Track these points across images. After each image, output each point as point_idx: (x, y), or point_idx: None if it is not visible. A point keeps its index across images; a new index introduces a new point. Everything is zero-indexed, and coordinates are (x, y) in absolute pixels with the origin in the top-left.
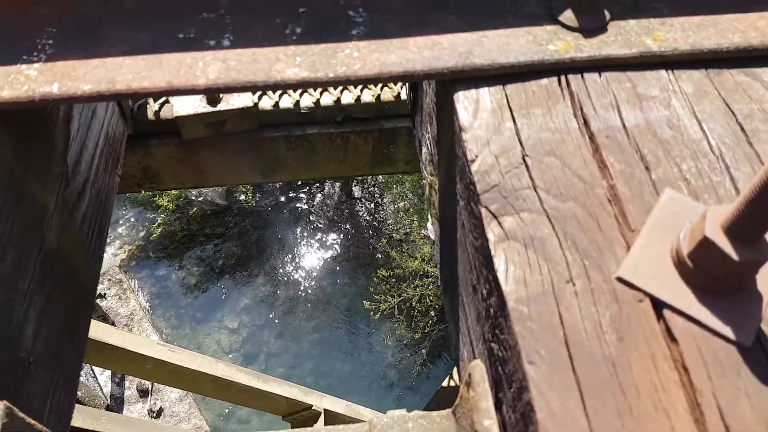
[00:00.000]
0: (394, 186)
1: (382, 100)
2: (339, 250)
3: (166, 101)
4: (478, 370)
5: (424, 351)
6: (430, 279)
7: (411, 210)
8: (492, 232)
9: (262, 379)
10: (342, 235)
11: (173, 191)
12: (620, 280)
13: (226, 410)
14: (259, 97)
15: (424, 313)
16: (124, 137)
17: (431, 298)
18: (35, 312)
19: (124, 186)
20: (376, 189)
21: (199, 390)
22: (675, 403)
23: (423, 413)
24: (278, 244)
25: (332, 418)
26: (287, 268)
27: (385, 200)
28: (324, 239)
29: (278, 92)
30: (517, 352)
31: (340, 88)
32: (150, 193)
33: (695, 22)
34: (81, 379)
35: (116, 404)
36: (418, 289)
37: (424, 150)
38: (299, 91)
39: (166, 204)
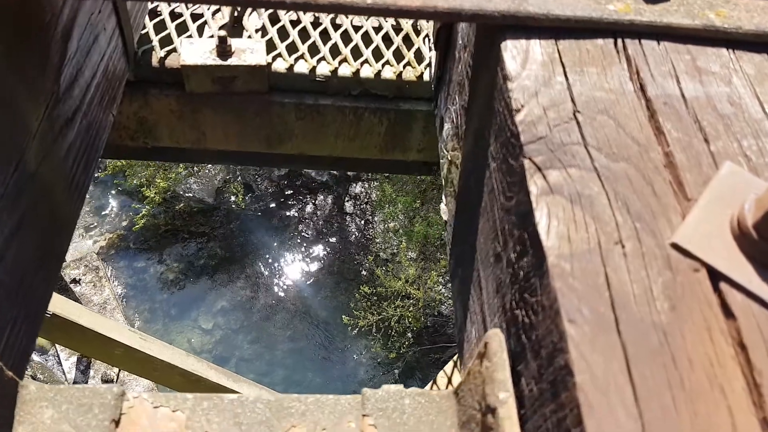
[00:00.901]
0: (387, 206)
1: (404, 79)
2: (324, 263)
3: (174, 49)
4: (497, 338)
5: (396, 371)
6: (411, 301)
7: (401, 231)
8: (535, 184)
9: (232, 378)
10: (329, 248)
11: (161, 183)
12: (675, 246)
13: None
14: (274, 58)
15: (402, 334)
16: (124, 77)
17: (410, 320)
18: (3, 232)
19: (117, 137)
20: (368, 207)
21: (167, 383)
22: (731, 380)
23: (421, 390)
24: (263, 250)
25: None
26: (269, 275)
27: (376, 218)
28: (310, 250)
29: (294, 55)
30: (553, 312)
31: (361, 59)
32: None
33: (760, 5)
34: (44, 362)
35: None
36: (398, 310)
37: (446, 126)
38: (316, 57)
39: (152, 196)
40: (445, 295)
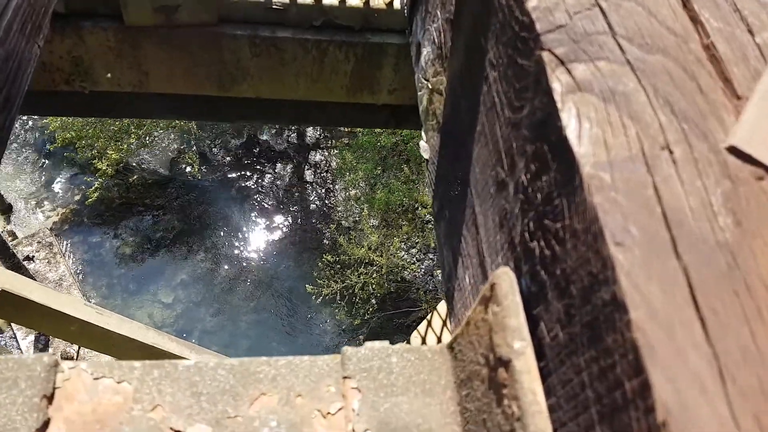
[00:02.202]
0: (347, 173)
1: (372, 7)
2: (285, 233)
3: None
4: (506, 278)
5: (362, 337)
6: (374, 268)
7: (362, 199)
8: (558, 80)
9: (194, 350)
10: (290, 217)
11: (113, 155)
12: (732, 150)
13: None
14: None
15: (366, 301)
16: (51, 5)
17: (374, 286)
18: None
19: (50, 82)
20: (328, 175)
21: (128, 357)
22: None
23: (409, 346)
24: (222, 221)
25: None
26: (230, 246)
27: (337, 187)
28: (271, 220)
29: None
30: (591, 235)
31: None
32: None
33: None
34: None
35: None
36: (361, 277)
37: (425, 51)
38: None
39: (104, 168)
40: (408, 261)
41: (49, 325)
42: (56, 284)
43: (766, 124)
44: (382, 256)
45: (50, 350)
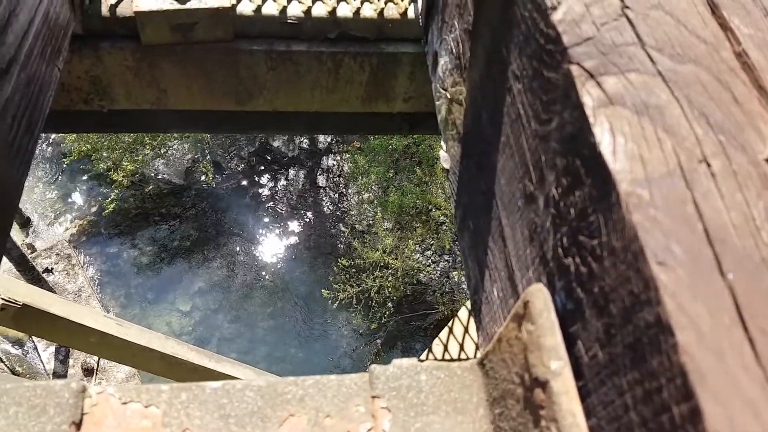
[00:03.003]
0: (360, 177)
1: (386, 17)
2: (300, 238)
3: None
4: (540, 295)
5: (379, 341)
6: (389, 271)
7: (375, 202)
8: (589, 95)
9: (214, 359)
10: (304, 223)
11: (128, 167)
12: None
13: None
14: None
15: (382, 304)
16: (69, 28)
17: (390, 289)
18: None
19: (69, 102)
20: (341, 179)
21: (147, 368)
22: None
23: (439, 363)
24: (237, 228)
25: None
26: (245, 253)
27: (349, 191)
28: (285, 226)
29: None
30: (632, 254)
31: None
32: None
33: None
34: (21, 354)
35: None
36: (377, 280)
37: (442, 61)
38: None
39: (120, 179)
40: (423, 263)
41: (69, 337)
42: (75, 295)
43: None
44: (397, 259)
45: (70, 361)
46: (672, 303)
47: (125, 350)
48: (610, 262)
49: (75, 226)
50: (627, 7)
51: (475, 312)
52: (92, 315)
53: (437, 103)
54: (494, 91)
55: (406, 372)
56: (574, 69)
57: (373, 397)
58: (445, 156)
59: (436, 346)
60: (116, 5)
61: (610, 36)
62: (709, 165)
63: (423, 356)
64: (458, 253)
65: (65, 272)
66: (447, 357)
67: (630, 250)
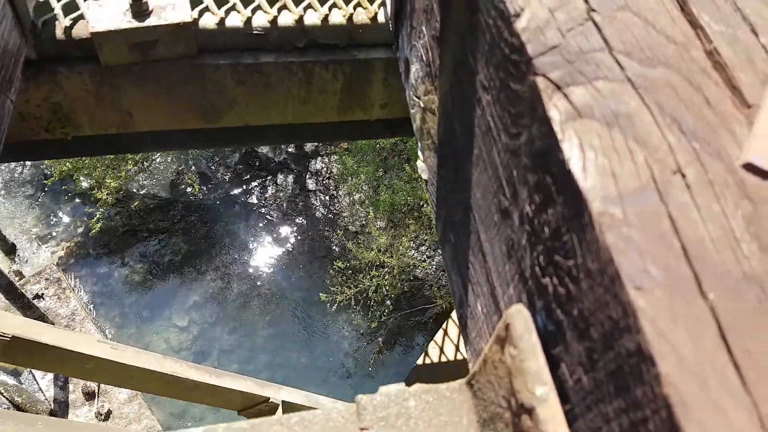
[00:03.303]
0: (350, 178)
1: (356, 23)
2: (293, 244)
3: (81, 15)
4: (520, 317)
5: (380, 339)
6: (385, 269)
7: (367, 202)
8: (556, 108)
9: (214, 374)
10: (296, 228)
11: (112, 184)
12: (749, 167)
13: (179, 408)
14: (201, 13)
15: (381, 303)
16: (21, 55)
17: (387, 288)
18: None
19: (29, 132)
20: (330, 181)
21: (147, 389)
22: None
23: (427, 387)
24: (228, 239)
25: (291, 410)
26: (239, 263)
27: (340, 192)
28: (277, 232)
29: (223, 6)
30: (608, 278)
31: (303, 3)
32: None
33: None
34: (19, 384)
35: (60, 409)
36: (374, 280)
37: (414, 68)
38: (251, 6)
39: (105, 197)
40: (418, 259)
41: (63, 366)
42: (69, 319)
43: None
44: (392, 257)
45: (70, 386)
46: (652, 331)
47: (122, 374)
48: (587, 285)
49: (62, 249)
50: (593, 10)
51: (462, 326)
52: (85, 341)
53: (412, 111)
54: (464, 102)
55: (394, 399)
56: (540, 81)
57: (362, 429)
58: (423, 166)
59: (432, 349)
60: (71, 27)
61: (577, 42)
62: (683, 175)
63: (419, 360)
64: None
65: (56, 297)
66: (443, 359)
67: (606, 273)
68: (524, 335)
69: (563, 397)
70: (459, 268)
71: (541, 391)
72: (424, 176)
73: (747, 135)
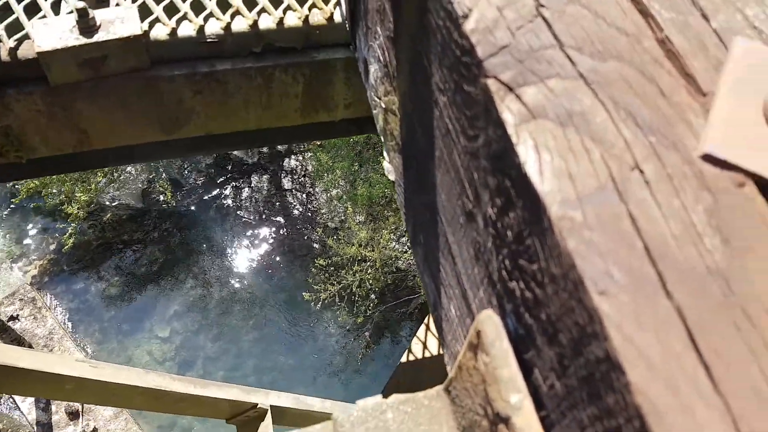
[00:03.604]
0: (325, 174)
1: (312, 24)
2: (273, 245)
3: (26, 35)
4: (490, 323)
5: (367, 334)
6: (368, 263)
7: (344, 197)
8: (509, 110)
9: (199, 384)
10: (274, 228)
11: (82, 197)
12: (707, 158)
13: (167, 420)
14: (151, 24)
15: (365, 297)
16: None
17: (371, 281)
18: None
19: None
20: (306, 179)
21: (132, 405)
22: None
23: (405, 397)
24: (206, 244)
25: (280, 414)
26: (218, 269)
27: (316, 189)
28: (256, 234)
29: (175, 16)
30: (571, 283)
31: (257, 8)
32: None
33: None
34: (1, 409)
35: (44, 431)
36: (357, 275)
37: (372, 69)
38: (203, 14)
39: (76, 212)
40: (399, 250)
41: (43, 389)
42: (47, 339)
43: (736, 123)
44: (373, 250)
45: (53, 407)
46: (618, 337)
47: (104, 392)
48: (552, 290)
49: (35, 267)
50: (542, 6)
51: (438, 329)
52: (63, 362)
53: (374, 111)
54: (422, 103)
55: (371, 414)
56: (491, 83)
57: None
58: (389, 167)
59: (415, 345)
60: (16, 48)
61: (527, 40)
62: (642, 171)
63: (403, 358)
64: None
65: (32, 317)
66: (427, 354)
67: (569, 278)
68: (495, 342)
69: (539, 402)
70: (431, 270)
71: (515, 399)
72: (391, 177)
73: (703, 125)
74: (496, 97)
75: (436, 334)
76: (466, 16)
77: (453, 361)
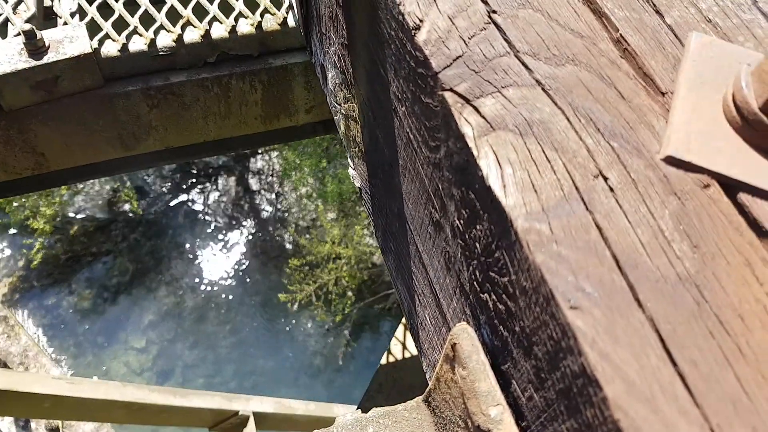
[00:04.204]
0: (293, 173)
1: (265, 30)
2: (245, 248)
3: None
4: (466, 336)
5: (346, 332)
6: (343, 261)
7: (314, 195)
8: (467, 123)
9: (179, 394)
10: (245, 231)
11: (47, 211)
12: (670, 160)
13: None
14: (101, 41)
15: (342, 295)
16: None
17: (347, 279)
18: None
19: None
20: (274, 179)
21: (112, 419)
22: None
23: (384, 410)
24: (176, 252)
25: (263, 419)
26: (190, 276)
27: (285, 189)
28: (226, 239)
29: (125, 31)
30: (543, 297)
31: (208, 17)
32: (20, 216)
33: None
34: None
35: None
36: (332, 273)
37: (330, 75)
38: (152, 27)
39: (42, 226)
40: (374, 245)
41: (20, 408)
42: (21, 357)
43: (697, 123)
44: (347, 247)
45: (32, 424)
46: (593, 353)
47: (83, 408)
48: (524, 303)
49: (4, 285)
50: (494, 12)
51: (414, 338)
52: (39, 380)
53: (335, 118)
54: (383, 112)
55: (351, 430)
56: (448, 96)
57: None
58: (354, 174)
59: (395, 346)
60: None
61: (481, 49)
62: (606, 178)
63: (383, 359)
64: None
65: (5, 335)
66: (407, 355)
67: (540, 292)
68: (472, 355)
69: (519, 413)
70: (403, 278)
71: (494, 412)
72: (357, 184)
73: (664, 127)
74: (454, 110)
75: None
76: (417, 28)
77: (431, 370)
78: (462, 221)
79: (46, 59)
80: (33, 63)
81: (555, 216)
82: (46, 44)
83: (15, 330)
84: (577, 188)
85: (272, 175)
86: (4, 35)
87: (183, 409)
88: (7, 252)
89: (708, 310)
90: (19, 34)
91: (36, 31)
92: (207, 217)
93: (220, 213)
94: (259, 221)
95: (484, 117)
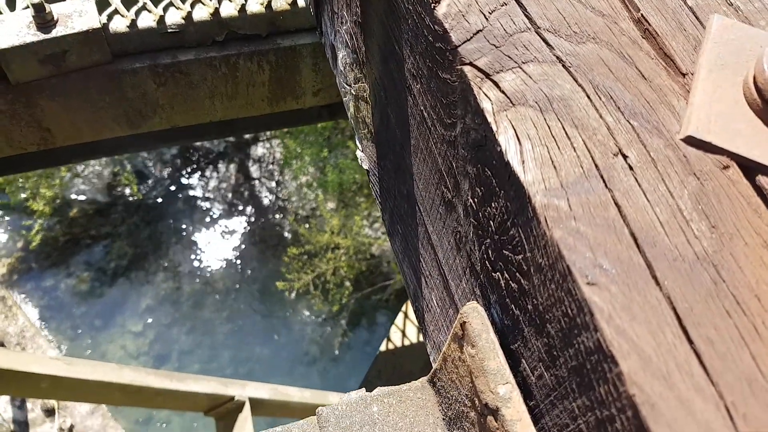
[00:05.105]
0: (294, 161)
1: (275, 10)
2: (243, 235)
3: None
4: (476, 316)
5: (343, 322)
6: (341, 251)
7: (314, 184)
8: (487, 98)
9: (175, 378)
10: (244, 218)
11: (47, 193)
12: (690, 140)
13: (145, 414)
14: (110, 17)
15: (340, 285)
16: None
17: (345, 269)
18: None
19: None
20: (275, 167)
21: (108, 401)
22: None
23: (389, 389)
24: (175, 237)
25: (258, 405)
26: (188, 261)
27: (286, 177)
28: (225, 225)
29: (134, 7)
30: (559, 274)
31: None
32: (20, 197)
33: None
34: None
35: (21, 429)
36: (330, 262)
37: (341, 54)
38: (162, 3)
39: (41, 208)
40: (372, 236)
41: (18, 388)
42: (19, 337)
43: (717, 104)
44: (346, 237)
45: (29, 405)
46: (610, 329)
47: (80, 389)
48: (539, 280)
49: (3, 266)
50: None
51: (419, 320)
52: (37, 360)
53: (344, 99)
54: (396, 91)
55: (356, 407)
56: (468, 70)
57: None
58: (362, 156)
59: (394, 333)
60: None
61: (501, 24)
62: (625, 157)
63: (382, 347)
64: None
65: (3, 315)
66: (407, 342)
67: (557, 269)
68: (482, 334)
69: (527, 393)
70: (410, 261)
71: (503, 390)
72: (365, 166)
73: (685, 107)
74: (473, 84)
75: (416, 323)
76: (437, 1)
77: (437, 351)
78: (476, 200)
79: (54, 33)
80: (41, 36)
81: (574, 192)
82: (55, 18)
83: (12, 310)
84: (596, 165)
85: (273, 163)
86: (13, 8)
87: (179, 393)
88: (6, 233)
89: (725, 290)
90: (27, 6)
91: (45, 4)
92: (206, 204)
93: (219, 199)
94: (259, 209)
95: (503, 92)
